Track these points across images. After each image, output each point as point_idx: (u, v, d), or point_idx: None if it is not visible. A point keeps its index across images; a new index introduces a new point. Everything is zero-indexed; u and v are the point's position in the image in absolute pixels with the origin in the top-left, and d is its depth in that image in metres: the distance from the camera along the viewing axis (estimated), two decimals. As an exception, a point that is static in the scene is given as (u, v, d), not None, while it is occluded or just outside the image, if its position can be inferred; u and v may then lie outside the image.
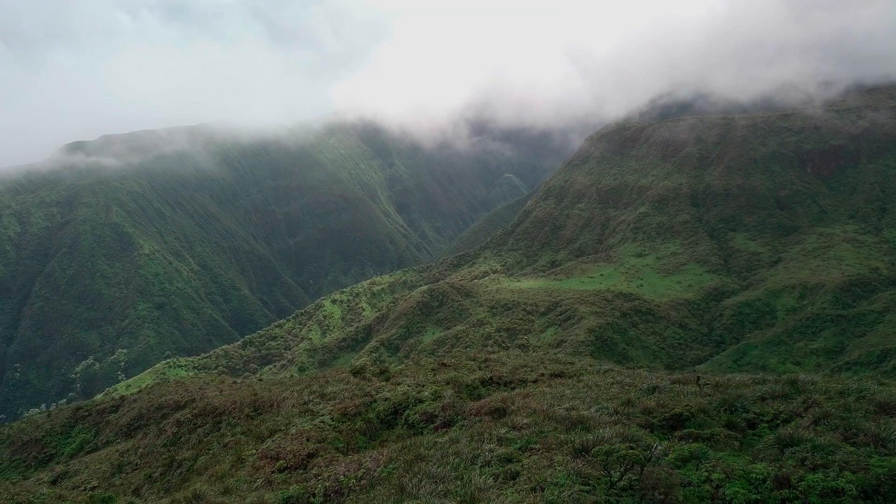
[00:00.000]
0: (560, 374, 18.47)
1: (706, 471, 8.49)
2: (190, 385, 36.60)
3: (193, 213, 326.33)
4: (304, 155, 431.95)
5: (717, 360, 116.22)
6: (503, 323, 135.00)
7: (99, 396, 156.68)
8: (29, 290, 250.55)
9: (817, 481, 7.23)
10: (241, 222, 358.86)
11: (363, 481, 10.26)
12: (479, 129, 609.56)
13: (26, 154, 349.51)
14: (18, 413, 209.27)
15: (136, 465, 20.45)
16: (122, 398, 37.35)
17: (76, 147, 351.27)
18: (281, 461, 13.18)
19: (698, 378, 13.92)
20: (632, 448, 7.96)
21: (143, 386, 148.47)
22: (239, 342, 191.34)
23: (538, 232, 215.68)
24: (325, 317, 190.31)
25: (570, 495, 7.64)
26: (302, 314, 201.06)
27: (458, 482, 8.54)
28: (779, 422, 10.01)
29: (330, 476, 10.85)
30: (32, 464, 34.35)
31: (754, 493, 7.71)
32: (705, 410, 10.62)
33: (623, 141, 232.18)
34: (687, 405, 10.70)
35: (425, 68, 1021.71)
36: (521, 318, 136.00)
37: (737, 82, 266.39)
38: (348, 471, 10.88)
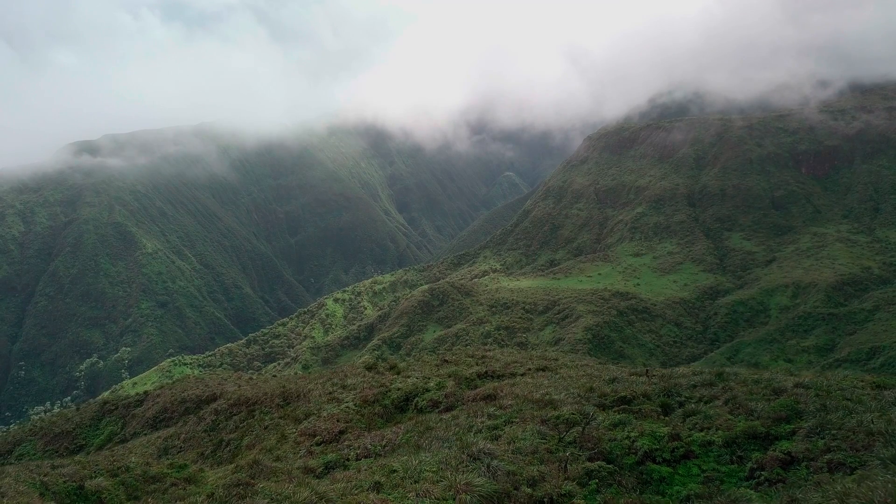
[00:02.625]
0: (544, 368, 21.36)
1: (627, 431, 11.73)
2: (209, 380, 39.42)
3: (195, 211, 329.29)
4: (305, 154, 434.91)
5: (711, 357, 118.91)
6: (502, 321, 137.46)
7: (106, 394, 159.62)
8: (33, 288, 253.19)
9: (699, 437, 10.39)
10: (242, 221, 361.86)
11: (387, 447, 13.20)
12: (480, 129, 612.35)
13: (29, 154, 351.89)
14: (23, 411, 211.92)
15: (181, 447, 23.26)
16: (146, 393, 40.16)
17: (79, 146, 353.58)
18: (317, 437, 16.01)
19: (647, 370, 16.92)
20: (573, 415, 11.03)
21: (150, 383, 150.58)
22: (243, 340, 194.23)
23: (537, 231, 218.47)
24: (327, 315, 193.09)
25: (531, 444, 10.80)
26: (304, 313, 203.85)
27: (458, 441, 11.60)
28: (701, 403, 12.89)
29: (359, 446, 13.74)
30: (64, 454, 37.04)
31: (655, 445, 10.69)
32: (647, 394, 13.61)
33: (621, 142, 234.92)
34: (633, 391, 13.70)
35: (426, 70, 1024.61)
36: (520, 317, 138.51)
37: (734, 83, 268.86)
38: (374, 441, 13.81)
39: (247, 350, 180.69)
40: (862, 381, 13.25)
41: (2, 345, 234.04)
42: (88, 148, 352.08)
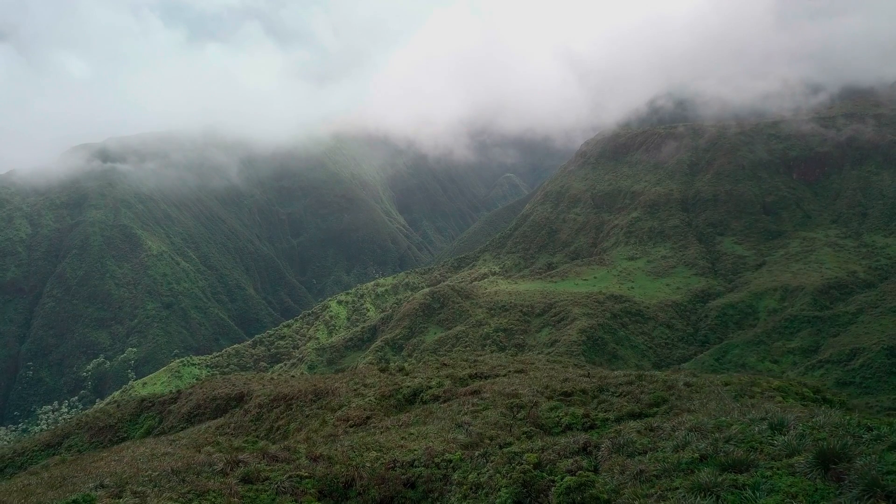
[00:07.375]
0: (520, 371, 26.49)
1: (559, 412, 16.58)
2: (235, 380, 44.33)
3: (199, 214, 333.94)
4: (307, 157, 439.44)
5: (700, 358, 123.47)
6: (501, 323, 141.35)
7: (116, 394, 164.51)
8: (41, 290, 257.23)
9: (602, 415, 15.44)
10: (245, 223, 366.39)
11: (402, 426, 18.24)
12: (481, 131, 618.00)
13: (35, 158, 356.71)
14: (31, 410, 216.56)
15: (233, 434, 28.13)
16: (179, 391, 45.12)
17: (84, 150, 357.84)
18: (350, 421, 21.08)
19: (588, 373, 22.06)
20: (524, 402, 16.18)
21: (160, 383, 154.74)
22: (249, 341, 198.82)
23: (535, 235, 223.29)
24: (331, 317, 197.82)
25: (495, 419, 15.86)
26: (309, 314, 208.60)
27: (450, 419, 16.64)
28: (617, 396, 17.90)
29: (382, 426, 18.85)
30: (108, 445, 42.01)
31: (574, 420, 15.69)
32: (584, 390, 18.65)
33: (617, 147, 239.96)
34: (575, 387, 18.79)
35: (427, 75, 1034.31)
36: (518, 319, 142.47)
37: (729, 89, 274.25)
38: (392, 423, 18.91)
39: (253, 351, 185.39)
40: (719, 380, 18.37)
41: (10, 345, 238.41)
42: (94, 151, 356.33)
